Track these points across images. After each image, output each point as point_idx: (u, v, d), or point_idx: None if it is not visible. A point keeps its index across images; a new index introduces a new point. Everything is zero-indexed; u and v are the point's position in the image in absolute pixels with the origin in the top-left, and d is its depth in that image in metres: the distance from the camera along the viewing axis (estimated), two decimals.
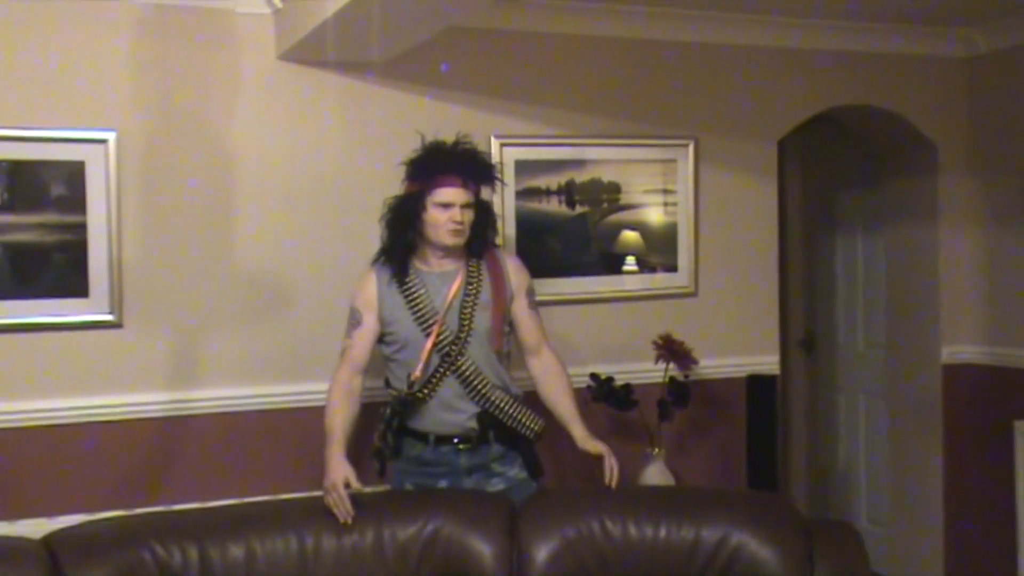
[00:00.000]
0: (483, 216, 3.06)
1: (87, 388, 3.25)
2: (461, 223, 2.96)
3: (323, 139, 3.52)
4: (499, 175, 3.19)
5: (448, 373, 3.00)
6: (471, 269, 3.05)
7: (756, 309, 4.21)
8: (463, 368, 2.99)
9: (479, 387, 3.00)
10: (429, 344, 2.98)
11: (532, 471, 3.12)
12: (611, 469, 3.02)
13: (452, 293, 3.00)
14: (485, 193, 3.16)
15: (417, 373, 2.99)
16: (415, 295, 3.00)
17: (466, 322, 2.99)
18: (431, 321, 2.98)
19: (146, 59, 3.30)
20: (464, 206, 2.97)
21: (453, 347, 2.98)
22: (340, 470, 2.86)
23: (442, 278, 3.03)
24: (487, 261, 3.08)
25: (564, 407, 3.13)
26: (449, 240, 2.97)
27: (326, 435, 2.97)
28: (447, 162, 2.98)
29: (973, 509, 4.50)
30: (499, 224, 3.29)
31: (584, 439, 3.08)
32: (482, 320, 3.01)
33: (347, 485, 2.84)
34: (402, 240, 3.02)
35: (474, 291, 3.02)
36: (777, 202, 4.32)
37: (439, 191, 2.95)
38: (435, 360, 3.00)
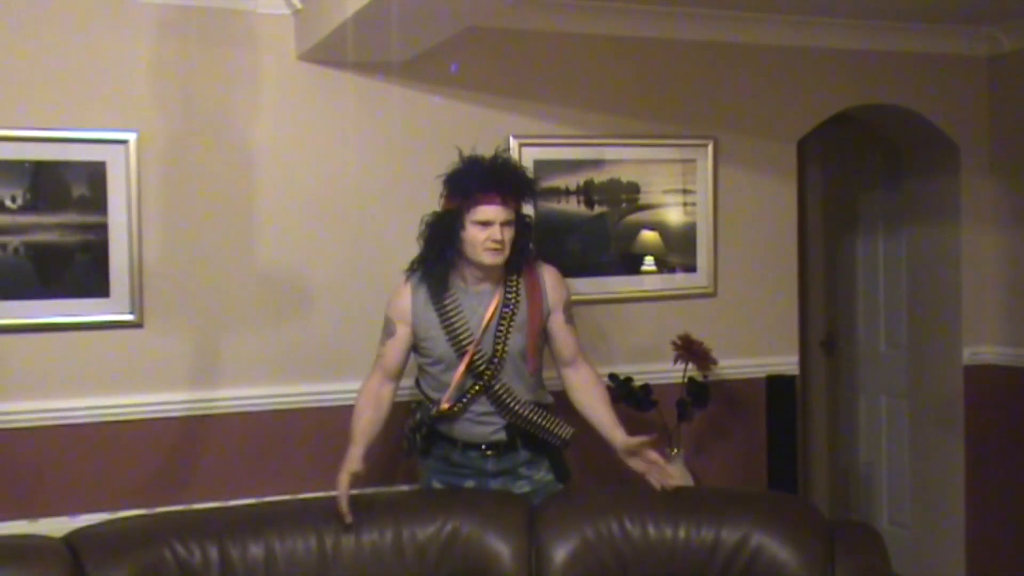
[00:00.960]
0: (523, 232, 2.99)
1: (108, 388, 3.27)
2: (501, 241, 2.88)
3: (343, 139, 3.53)
4: (537, 189, 3.12)
5: (480, 393, 2.98)
6: (509, 288, 2.99)
7: (776, 309, 4.19)
8: (496, 389, 2.97)
9: (510, 405, 2.98)
10: (463, 367, 2.94)
11: (559, 475, 3.11)
12: (657, 464, 2.97)
13: (489, 314, 2.95)
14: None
15: (444, 405, 2.97)
16: (450, 316, 2.96)
17: (500, 345, 2.95)
18: (466, 343, 2.94)
19: (167, 60, 3.31)
20: (504, 224, 2.89)
21: (487, 370, 2.95)
22: (345, 467, 2.88)
23: (479, 297, 2.98)
24: (525, 278, 3.01)
25: (604, 414, 3.06)
26: (488, 260, 2.90)
27: (350, 439, 2.98)
28: (486, 179, 2.89)
29: (995, 510, 4.46)
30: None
31: (625, 439, 3.01)
32: (517, 341, 2.97)
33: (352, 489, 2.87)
34: (440, 258, 2.96)
35: (510, 313, 2.97)
36: (797, 202, 4.30)
37: (478, 209, 2.87)
38: (467, 383, 2.97)
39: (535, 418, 3.01)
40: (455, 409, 2.98)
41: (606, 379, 3.65)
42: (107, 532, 2.76)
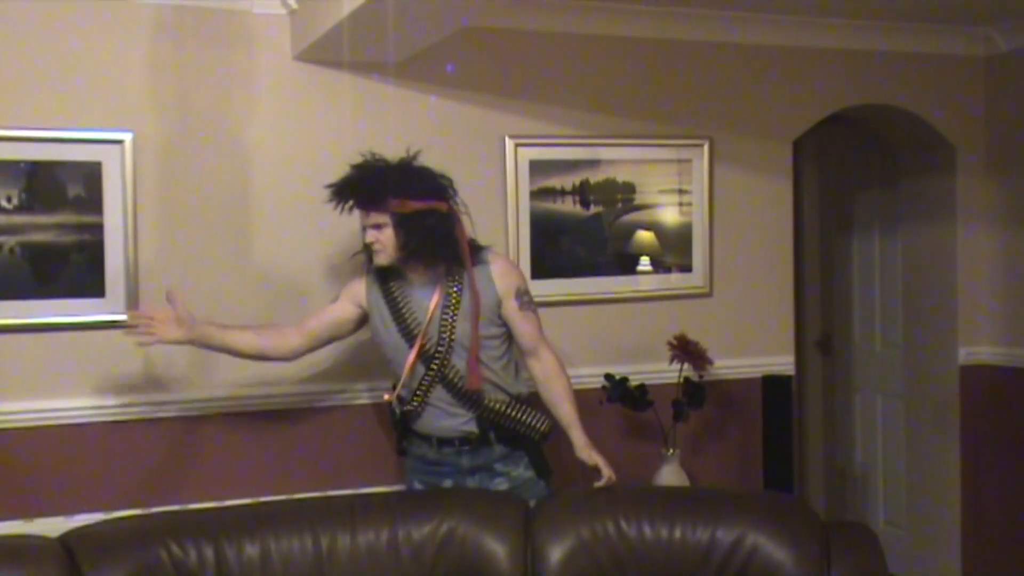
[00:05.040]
0: (418, 230, 2.92)
1: (103, 388, 3.26)
2: (371, 244, 2.96)
3: (339, 139, 3.52)
4: (400, 189, 2.93)
5: (435, 382, 3.00)
6: (450, 280, 3.01)
7: (772, 309, 4.19)
8: (449, 377, 2.99)
9: (468, 395, 3.00)
10: (412, 356, 2.98)
11: (539, 470, 3.11)
12: (608, 480, 3.01)
13: (433, 305, 2.99)
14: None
15: (398, 390, 3.04)
16: (399, 307, 3.01)
17: (446, 333, 2.97)
18: (415, 333, 2.98)
19: (163, 60, 3.31)
20: (374, 226, 2.95)
21: (435, 359, 2.98)
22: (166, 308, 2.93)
23: (423, 290, 3.02)
24: (468, 268, 3.01)
25: (563, 413, 3.09)
26: (375, 260, 2.99)
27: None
28: (344, 186, 2.98)
29: (991, 510, 4.47)
30: (469, 228, 3.09)
31: (582, 448, 3.07)
32: (465, 330, 2.99)
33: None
34: (370, 259, 3.05)
35: (454, 302, 2.99)
36: (793, 202, 4.30)
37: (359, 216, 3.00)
38: (420, 370, 3.00)
39: (504, 409, 3.02)
40: (414, 402, 3.01)
41: (602, 379, 3.67)
42: (103, 532, 2.75)
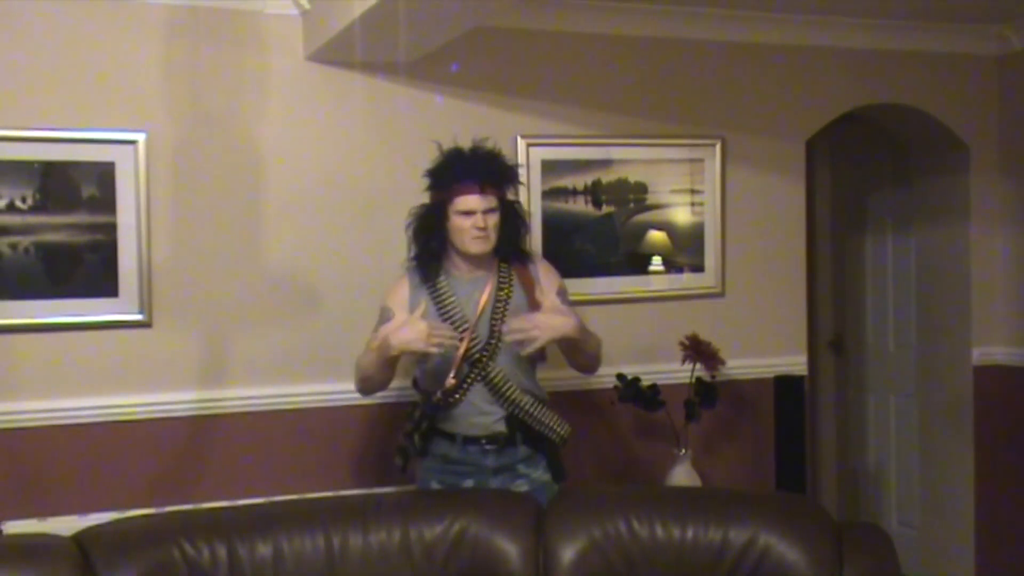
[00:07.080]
0: (512, 218, 3.02)
1: (117, 387, 3.28)
2: (484, 228, 2.93)
3: (351, 139, 3.53)
4: (519, 176, 3.10)
5: (477, 380, 2.99)
6: (502, 274, 3.02)
7: (784, 309, 4.18)
8: (493, 375, 2.98)
9: (507, 393, 2.98)
10: (460, 353, 2.95)
11: (555, 474, 3.11)
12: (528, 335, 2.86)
13: (484, 300, 2.98)
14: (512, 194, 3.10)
15: (451, 381, 2.97)
16: (446, 303, 2.98)
17: (497, 331, 2.96)
18: (462, 330, 2.95)
19: (176, 60, 3.32)
20: (486, 211, 2.94)
21: (483, 355, 2.97)
22: (405, 319, 2.86)
23: (473, 284, 3.00)
24: (517, 265, 3.04)
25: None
26: (474, 248, 2.94)
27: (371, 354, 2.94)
28: (464, 168, 2.95)
29: (1004, 511, 4.45)
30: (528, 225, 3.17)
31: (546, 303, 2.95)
32: None
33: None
34: (427, 249, 3.01)
35: (505, 297, 2.99)
36: (805, 202, 4.29)
37: (460, 199, 2.93)
38: (465, 368, 2.98)
39: (533, 409, 3.00)
40: (455, 397, 2.97)
41: (614, 379, 3.67)
42: (116, 531, 2.76)
